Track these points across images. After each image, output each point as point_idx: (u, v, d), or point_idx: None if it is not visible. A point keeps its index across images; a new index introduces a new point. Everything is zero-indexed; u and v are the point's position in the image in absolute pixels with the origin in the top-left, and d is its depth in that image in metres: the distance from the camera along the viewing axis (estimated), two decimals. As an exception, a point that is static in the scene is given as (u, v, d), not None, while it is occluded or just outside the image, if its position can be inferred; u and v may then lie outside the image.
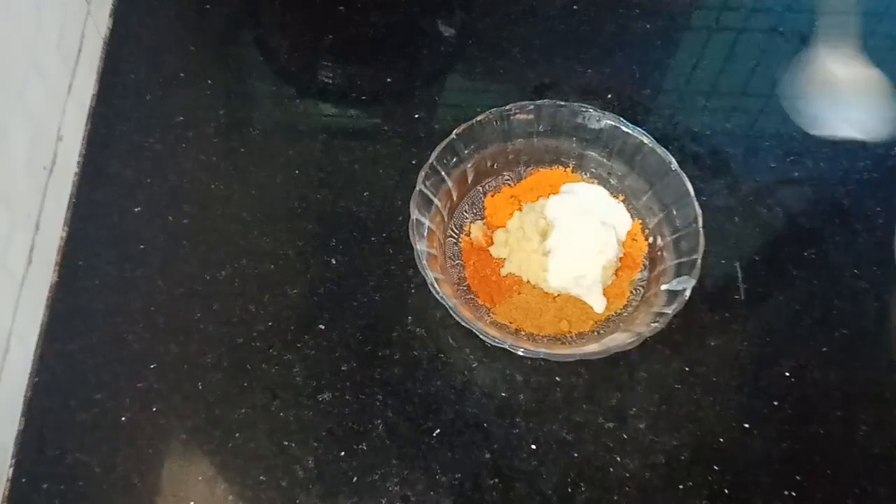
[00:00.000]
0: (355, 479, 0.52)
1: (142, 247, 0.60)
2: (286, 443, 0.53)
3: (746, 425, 0.54)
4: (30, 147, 0.56)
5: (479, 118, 0.58)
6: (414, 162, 0.64)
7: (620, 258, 0.59)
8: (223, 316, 0.57)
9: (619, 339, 0.53)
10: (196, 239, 0.60)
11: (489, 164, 0.61)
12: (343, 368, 0.56)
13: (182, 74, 0.69)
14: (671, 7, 0.76)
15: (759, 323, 0.58)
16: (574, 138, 0.61)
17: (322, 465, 0.52)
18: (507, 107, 0.59)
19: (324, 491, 0.51)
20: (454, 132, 0.58)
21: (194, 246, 0.60)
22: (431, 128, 0.66)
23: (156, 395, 0.54)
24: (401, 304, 0.58)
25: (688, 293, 0.52)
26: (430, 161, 0.57)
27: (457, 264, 0.59)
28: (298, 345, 0.56)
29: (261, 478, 0.52)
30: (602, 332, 0.56)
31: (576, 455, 0.53)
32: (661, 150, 0.58)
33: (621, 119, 0.59)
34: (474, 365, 0.56)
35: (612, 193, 0.62)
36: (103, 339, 0.56)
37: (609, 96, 0.69)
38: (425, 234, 0.56)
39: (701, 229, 0.54)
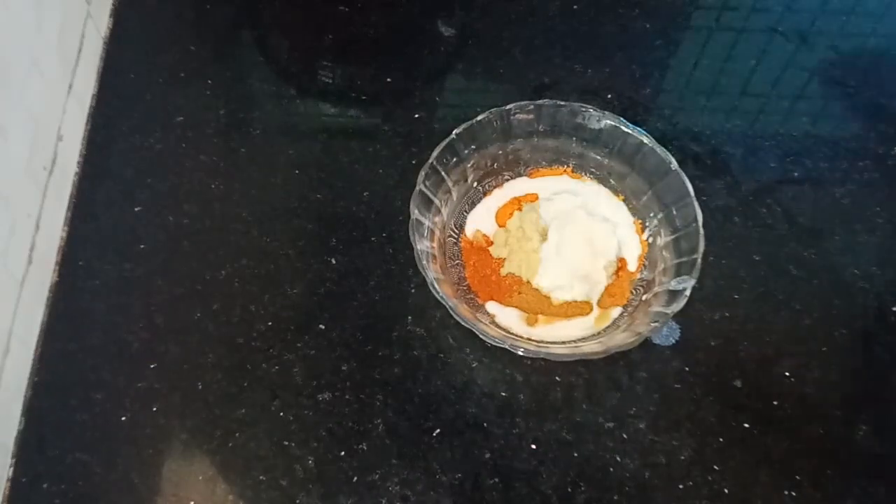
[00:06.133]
0: (355, 479, 0.52)
1: (142, 247, 0.60)
2: (286, 443, 0.53)
3: (746, 425, 0.54)
4: (30, 147, 0.56)
5: (479, 118, 0.58)
6: (414, 162, 0.64)
7: (620, 258, 0.59)
8: (223, 316, 0.57)
9: (619, 339, 0.53)
10: (196, 239, 0.60)
11: (489, 163, 0.61)
12: (343, 368, 0.56)
13: (182, 74, 0.69)
14: (671, 7, 0.76)
15: (759, 323, 0.58)
16: (574, 138, 0.61)
17: (322, 465, 0.52)
18: (507, 107, 0.59)
19: (324, 491, 0.51)
20: (454, 132, 0.58)
21: (194, 246, 0.60)
22: (431, 128, 0.66)
23: (156, 395, 0.54)
24: (401, 304, 0.58)
25: (688, 293, 0.52)
26: (430, 161, 0.57)
27: (457, 264, 0.59)
28: (298, 345, 0.56)
29: (261, 478, 0.52)
30: (602, 332, 0.56)
31: (576, 455, 0.53)
32: (661, 150, 0.58)
33: (621, 119, 0.59)
34: (474, 365, 0.56)
35: (612, 193, 0.62)
36: (103, 339, 0.56)
37: (609, 96, 0.69)
38: (425, 233, 0.56)
39: (701, 229, 0.54)
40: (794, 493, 0.52)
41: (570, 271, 0.57)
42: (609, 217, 0.60)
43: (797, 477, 0.53)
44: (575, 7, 0.74)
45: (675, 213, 0.57)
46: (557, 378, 0.56)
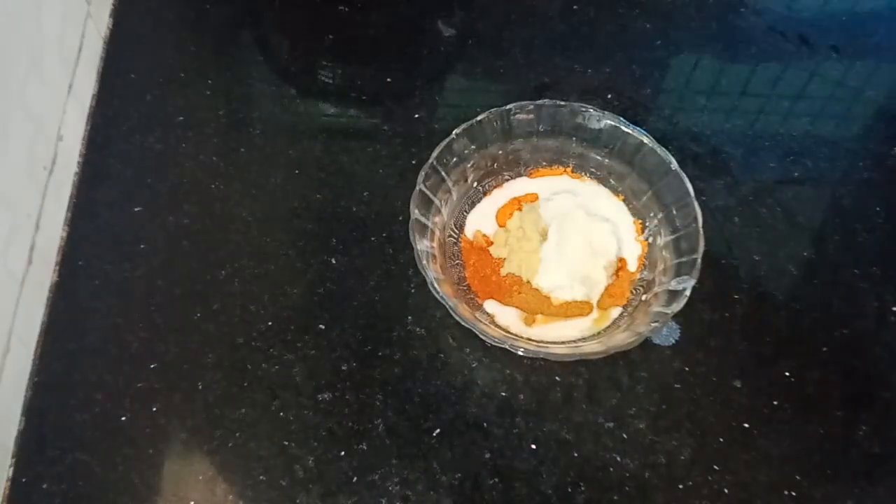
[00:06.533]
0: (355, 479, 0.52)
1: (142, 247, 0.60)
2: (286, 443, 0.53)
3: (746, 425, 0.54)
4: (30, 147, 0.56)
5: (479, 118, 0.58)
6: (414, 162, 0.64)
7: (620, 258, 0.59)
8: (223, 316, 0.57)
9: (619, 339, 0.53)
10: (196, 239, 0.60)
11: (489, 163, 0.61)
12: (343, 368, 0.55)
13: (182, 74, 0.69)
14: (671, 7, 0.76)
15: (759, 323, 0.58)
16: (574, 138, 0.61)
17: (322, 465, 0.52)
18: (508, 107, 0.59)
19: (324, 491, 0.51)
20: (454, 132, 0.58)
21: (194, 246, 0.60)
22: (431, 128, 0.66)
23: (156, 395, 0.54)
24: (401, 304, 0.58)
25: (688, 293, 0.52)
26: (430, 161, 0.57)
27: (457, 264, 0.59)
28: (298, 345, 0.56)
29: (261, 478, 0.52)
30: (602, 332, 0.56)
31: (576, 455, 0.53)
32: (661, 150, 0.58)
33: (621, 119, 0.59)
34: (474, 365, 0.56)
35: (612, 193, 0.62)
36: (103, 339, 0.56)
37: (609, 96, 0.69)
38: (425, 233, 0.56)
39: (701, 229, 0.54)
40: (794, 493, 0.52)
41: (569, 271, 0.57)
42: (609, 217, 0.60)
43: (797, 477, 0.53)
44: (575, 7, 0.74)
45: (675, 213, 0.57)
46: (557, 378, 0.56)
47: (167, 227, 0.61)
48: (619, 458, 0.53)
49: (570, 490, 0.52)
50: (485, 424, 0.54)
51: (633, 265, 0.59)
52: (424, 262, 0.53)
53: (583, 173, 0.62)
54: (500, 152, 0.61)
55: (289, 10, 0.74)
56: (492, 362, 0.56)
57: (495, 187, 0.62)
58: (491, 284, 0.58)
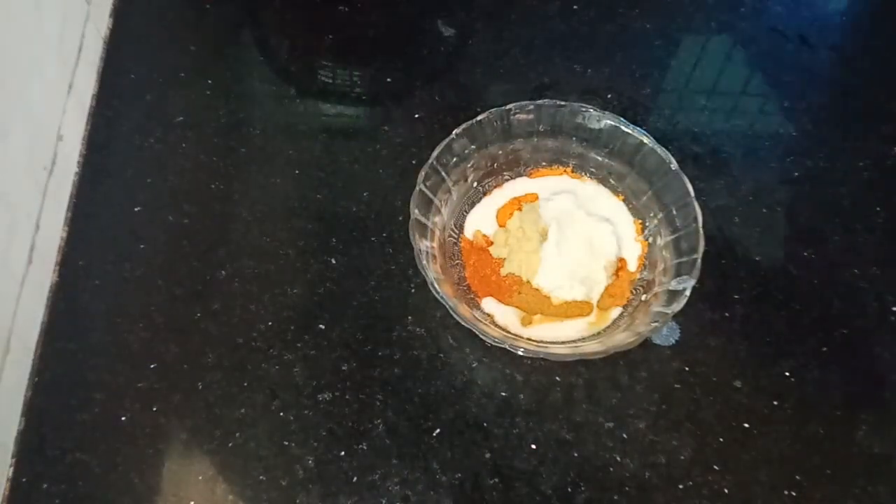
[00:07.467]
0: (355, 479, 0.52)
1: (142, 247, 0.60)
2: (286, 443, 0.53)
3: (746, 425, 0.54)
4: (30, 147, 0.56)
5: (479, 118, 0.58)
6: (414, 162, 0.64)
7: (620, 258, 0.59)
8: (223, 316, 0.57)
9: (619, 339, 0.53)
10: (196, 239, 0.60)
11: (489, 163, 0.61)
12: (343, 368, 0.56)
13: (182, 74, 0.69)
14: (671, 7, 0.76)
15: (759, 323, 0.58)
16: (574, 138, 0.61)
17: (322, 465, 0.52)
18: (507, 107, 0.59)
19: (324, 491, 0.51)
20: (454, 132, 0.58)
21: (194, 246, 0.60)
22: (431, 128, 0.66)
23: (156, 395, 0.54)
24: (401, 304, 0.58)
25: (688, 293, 0.52)
26: (430, 161, 0.57)
27: (457, 264, 0.59)
28: (298, 345, 0.56)
29: (261, 478, 0.52)
30: (602, 332, 0.56)
31: (576, 455, 0.53)
32: (661, 150, 0.58)
33: (621, 119, 0.59)
34: (474, 365, 0.56)
35: (612, 193, 0.62)
36: (103, 339, 0.56)
37: (609, 96, 0.69)
38: (425, 233, 0.56)
39: (701, 229, 0.54)
40: (794, 493, 0.52)
41: (569, 271, 0.57)
42: (609, 217, 0.60)
43: (797, 477, 0.53)
44: (575, 7, 0.74)
45: (675, 213, 0.57)
46: (557, 378, 0.56)
47: (167, 227, 0.61)
48: (619, 458, 0.53)
49: (570, 490, 0.52)
50: (485, 424, 0.54)
51: (633, 265, 0.59)
52: (424, 262, 0.53)
53: (583, 173, 0.62)
54: (500, 152, 0.61)
55: (289, 10, 0.74)
56: (492, 362, 0.56)
57: (495, 187, 0.62)
58: (491, 284, 0.58)
